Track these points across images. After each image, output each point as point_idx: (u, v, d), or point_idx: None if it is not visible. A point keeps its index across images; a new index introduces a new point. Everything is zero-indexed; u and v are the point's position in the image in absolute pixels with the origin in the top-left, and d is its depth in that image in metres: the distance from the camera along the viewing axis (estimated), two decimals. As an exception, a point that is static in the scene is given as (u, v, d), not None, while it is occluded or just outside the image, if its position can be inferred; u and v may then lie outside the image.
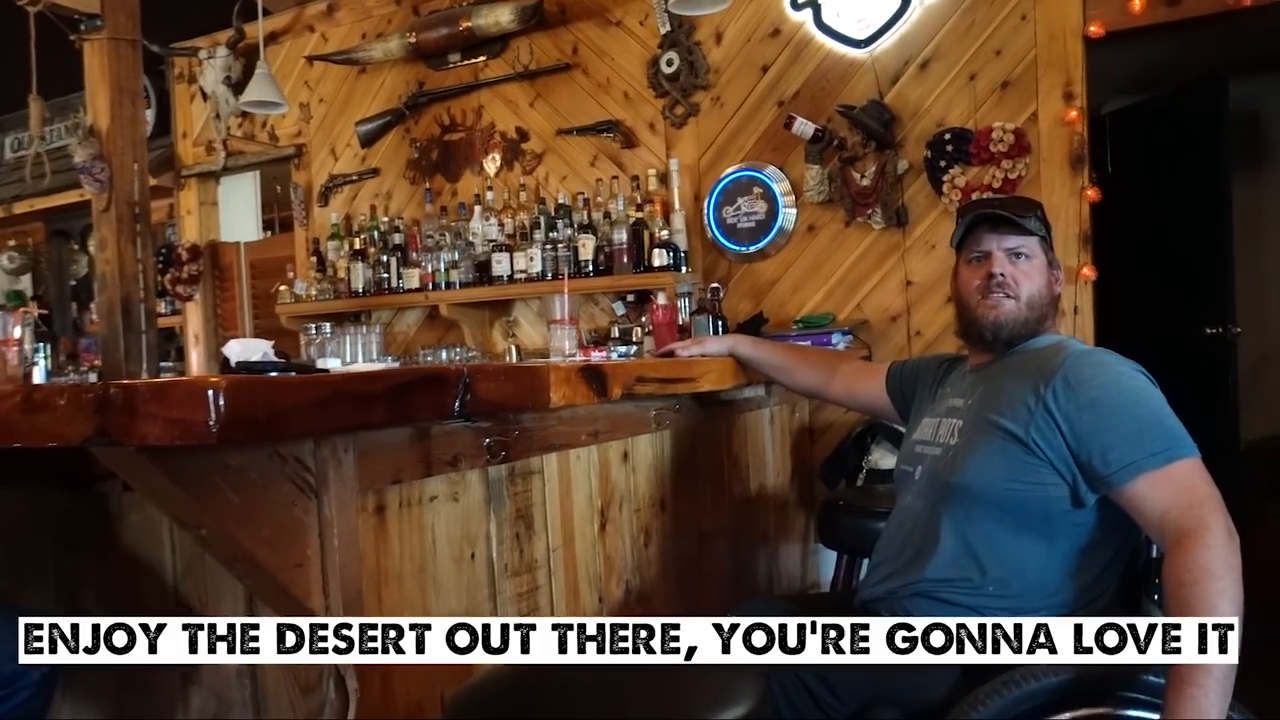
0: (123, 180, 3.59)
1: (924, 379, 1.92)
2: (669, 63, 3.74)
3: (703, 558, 2.66)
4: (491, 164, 4.23)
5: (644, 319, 3.63)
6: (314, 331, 2.79)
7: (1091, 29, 3.03)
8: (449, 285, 4.04)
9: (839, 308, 3.49)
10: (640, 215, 3.64)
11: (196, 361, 5.18)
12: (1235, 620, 1.22)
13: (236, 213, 5.42)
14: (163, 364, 4.26)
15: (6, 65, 3.82)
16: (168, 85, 5.24)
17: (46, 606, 1.72)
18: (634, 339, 3.49)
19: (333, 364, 2.07)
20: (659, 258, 3.54)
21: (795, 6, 3.52)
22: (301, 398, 1.23)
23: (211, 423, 1.10)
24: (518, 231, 3.96)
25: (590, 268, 3.67)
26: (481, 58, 4.19)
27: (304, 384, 1.25)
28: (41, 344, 2.71)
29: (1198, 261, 3.60)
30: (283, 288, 4.49)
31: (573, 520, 2.06)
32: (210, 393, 1.10)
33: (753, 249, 3.61)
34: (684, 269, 3.61)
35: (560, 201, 3.90)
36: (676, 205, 3.68)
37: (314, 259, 4.54)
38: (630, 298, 3.74)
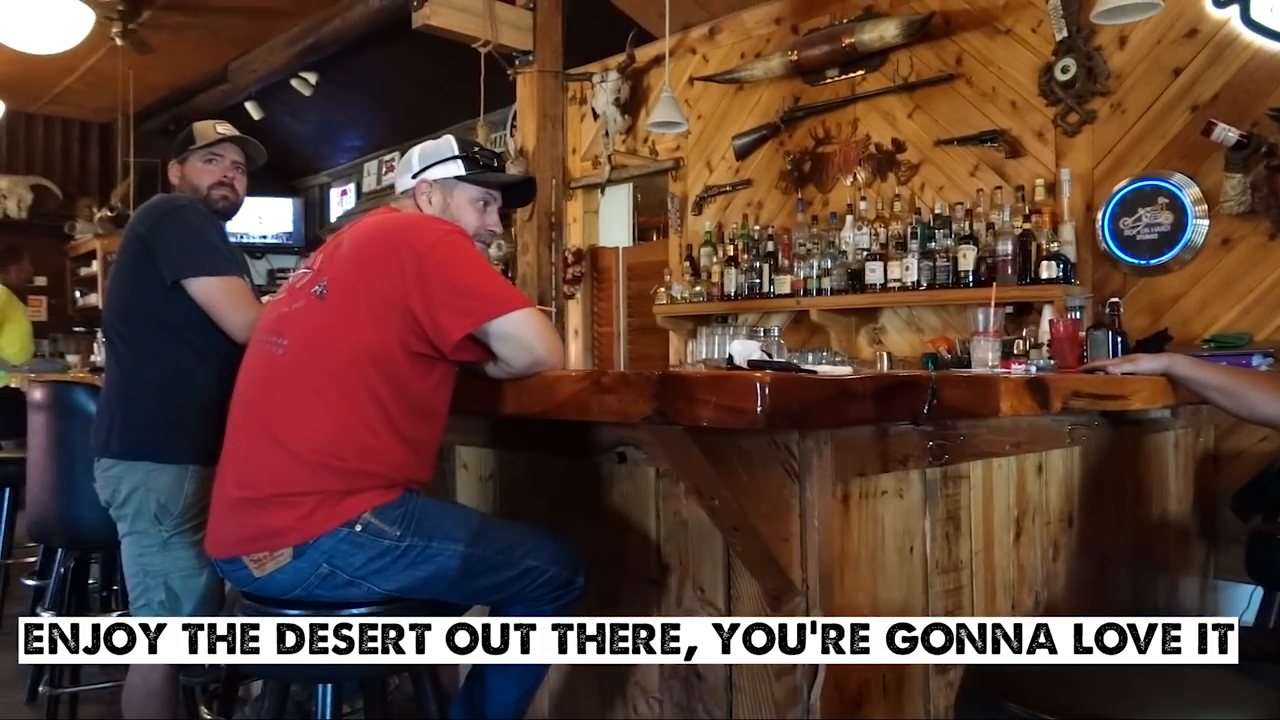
0: (544, 194, 4.13)
1: None
2: (1064, 69, 3.63)
3: (1103, 579, 2.60)
4: (864, 174, 4.34)
5: (1024, 332, 3.57)
6: (764, 335, 3.06)
7: None
8: (819, 291, 4.20)
9: (1257, 328, 3.22)
10: (1028, 226, 3.58)
11: (575, 352, 5.78)
12: None
13: (613, 220, 5.96)
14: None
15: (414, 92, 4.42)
16: (562, 107, 5.88)
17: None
18: (1015, 351, 3.44)
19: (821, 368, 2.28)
20: (1047, 270, 3.47)
21: (1219, 4, 3.29)
22: (821, 394, 1.43)
23: (759, 410, 1.32)
24: (891, 241, 4.04)
25: (970, 279, 3.67)
26: (860, 72, 4.31)
27: (819, 382, 1.44)
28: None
29: None
30: (660, 289, 4.90)
31: (993, 526, 2.13)
32: (759, 386, 1.32)
33: (1154, 262, 3.42)
34: (1073, 282, 3.50)
35: (938, 212, 3.93)
36: (1066, 216, 3.57)
37: (687, 264, 4.90)
38: (1010, 310, 3.69)
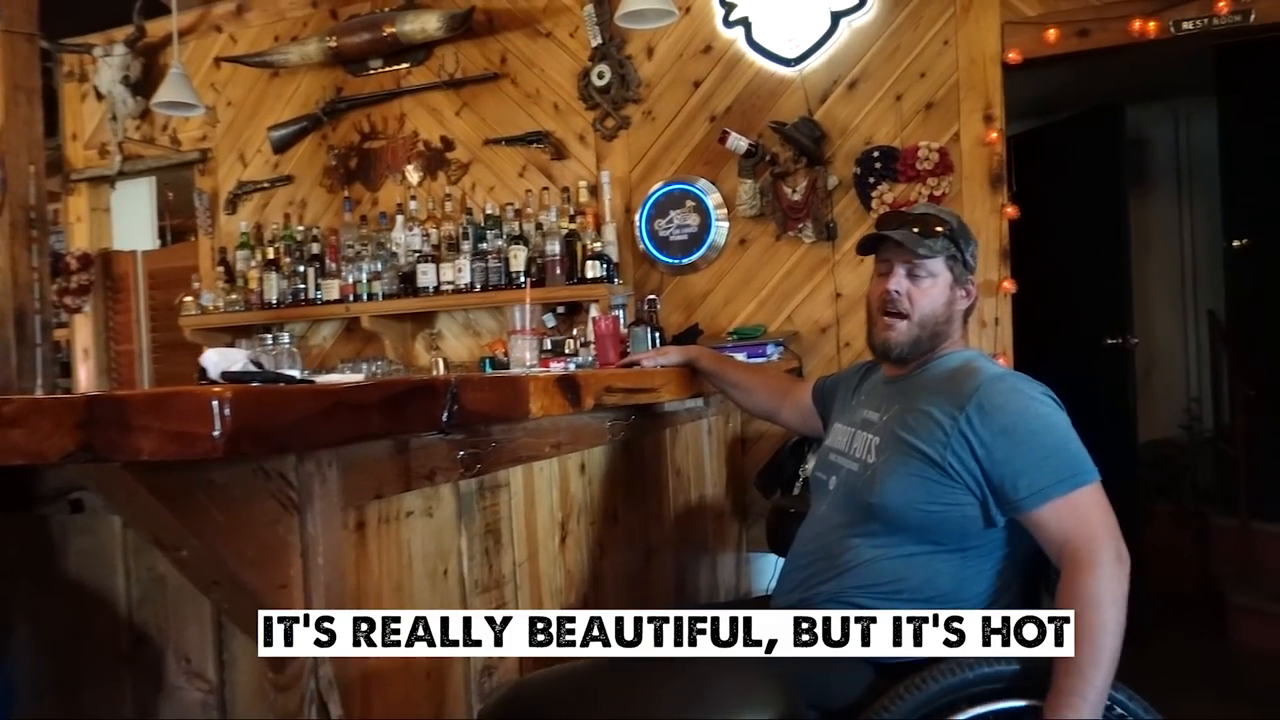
0: (18, 183, 3.36)
1: (842, 387, 1.98)
2: (600, 75, 3.74)
3: (650, 570, 2.65)
4: (414, 173, 4.13)
5: (574, 331, 3.61)
6: (272, 342, 2.65)
7: (1010, 56, 3.18)
8: (371, 297, 3.92)
9: (770, 319, 3.56)
10: (573, 227, 3.63)
11: (85, 377, 4.87)
12: (1110, 649, 1.35)
13: (131, 220, 5.13)
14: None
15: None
16: (55, 84, 4.92)
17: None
18: (565, 350, 3.46)
19: (318, 377, 1.96)
20: (592, 269, 3.53)
21: (727, 24, 3.58)
22: (306, 409, 1.17)
23: (218, 434, 1.04)
24: (443, 242, 3.88)
25: (522, 279, 3.63)
26: (404, 65, 4.10)
27: (307, 394, 1.19)
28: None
29: (1099, 277, 3.82)
30: (188, 299, 4.27)
31: (537, 534, 2.03)
32: (215, 404, 1.04)
33: (685, 261, 3.64)
34: (616, 281, 3.61)
35: (489, 212, 3.85)
36: (608, 217, 3.68)
37: (221, 269, 4.33)
38: (561, 310, 3.72)
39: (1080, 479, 1.46)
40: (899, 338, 1.69)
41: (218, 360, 1.31)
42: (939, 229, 1.71)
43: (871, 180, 3.34)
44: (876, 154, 3.34)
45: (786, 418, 2.23)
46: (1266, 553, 3.62)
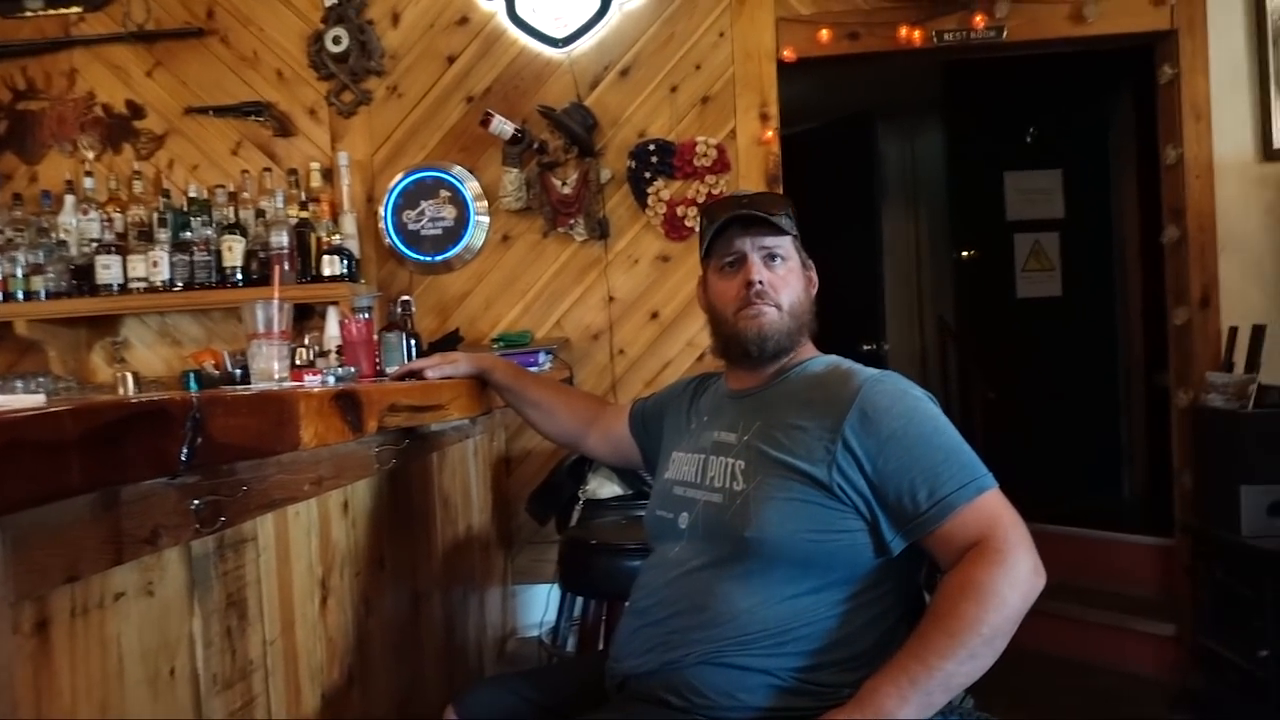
0: None
1: (671, 410, 1.69)
2: (336, 40, 3.21)
3: (419, 619, 2.22)
4: (91, 143, 3.34)
5: (307, 339, 3.04)
6: None
7: (785, 53, 3.09)
8: (29, 295, 3.09)
9: (537, 325, 3.21)
10: (305, 215, 3.06)
11: None
12: (969, 648, 1.15)
13: None
14: None
15: None
16: None
17: None
18: (300, 360, 2.89)
19: None
20: (330, 266, 3.00)
21: (486, -5, 3.21)
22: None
23: None
24: (132, 230, 3.15)
25: (239, 276, 3.01)
26: (75, 8, 3.30)
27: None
28: None
29: (856, 284, 3.88)
30: None
31: (292, 598, 1.55)
32: None
33: (439, 259, 3.21)
34: (359, 279, 3.10)
35: (193, 195, 3.17)
36: (347, 206, 3.15)
37: None
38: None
39: (983, 482, 1.26)
40: (773, 324, 1.43)
41: None
42: (784, 206, 1.48)
43: (647, 175, 3.11)
44: (652, 147, 3.12)
45: (592, 445, 1.90)
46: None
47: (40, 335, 3.19)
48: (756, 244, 1.45)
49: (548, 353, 3.02)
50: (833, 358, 1.50)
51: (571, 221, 3.12)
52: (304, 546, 1.59)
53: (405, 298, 2.80)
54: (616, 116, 3.18)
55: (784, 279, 1.46)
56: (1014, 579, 1.18)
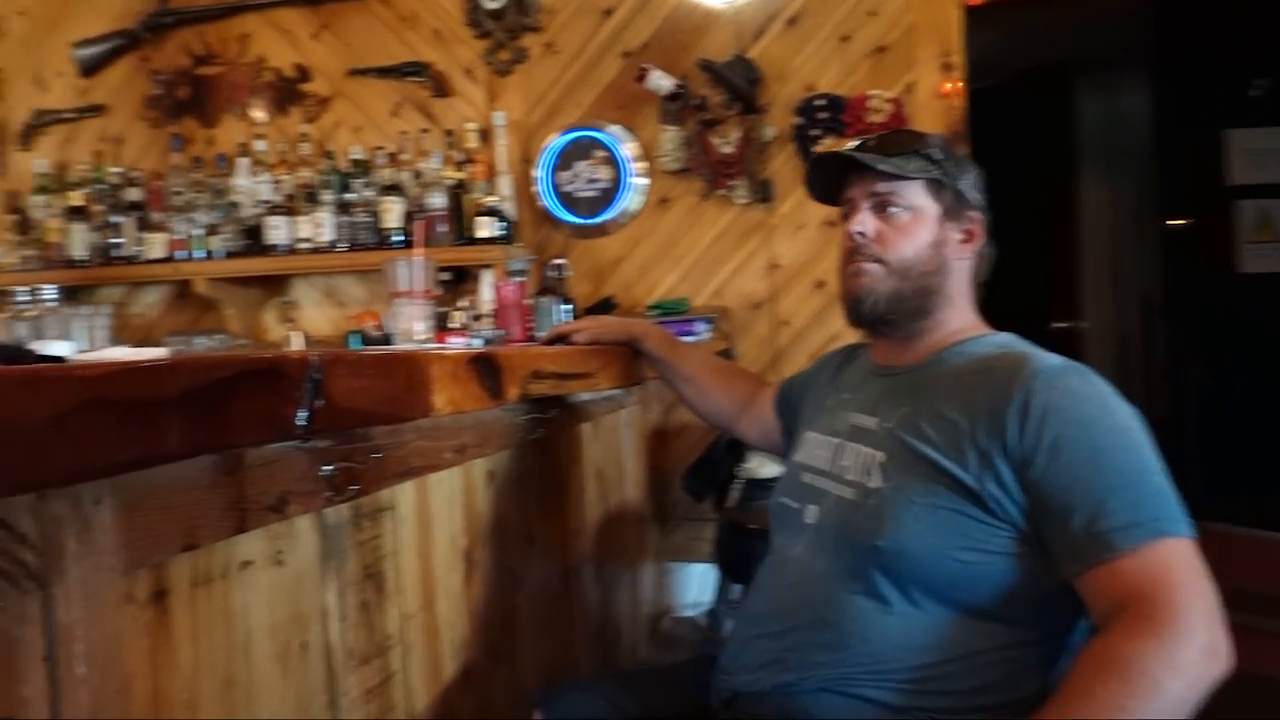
0: None
1: (814, 386, 1.50)
2: (493, -3, 3.14)
3: (569, 595, 2.13)
4: (262, 108, 3.42)
5: (460, 302, 3.01)
6: (24, 301, 1.94)
7: (972, -5, 2.80)
8: (208, 255, 3.20)
9: (694, 293, 3.06)
10: (461, 176, 3.02)
11: None
12: None
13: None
14: None
15: None
16: None
17: None
18: (449, 325, 2.86)
19: (60, 350, 1.31)
20: (485, 228, 2.95)
21: (645, -57, 3.05)
22: (37, 410, 0.60)
23: None
24: (299, 192, 3.21)
25: (399, 237, 3.00)
26: (249, -28, 3.38)
27: (39, 383, 0.61)
28: None
29: (1046, 256, 3.52)
30: (-34, 254, 3.42)
31: (433, 571, 1.47)
32: None
33: (594, 222, 3.10)
34: (514, 242, 3.04)
35: (355, 157, 3.19)
36: (503, 167, 3.09)
37: (14, 217, 3.50)
38: (447, 275, 3.10)
39: (1166, 526, 0.98)
40: (872, 285, 1.25)
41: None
42: (911, 145, 1.26)
43: (815, 133, 2.89)
44: (821, 103, 2.89)
45: (744, 429, 1.74)
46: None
47: (218, 294, 3.30)
48: (867, 189, 1.27)
49: (706, 322, 2.87)
50: (1006, 337, 1.26)
51: (732, 183, 2.94)
52: (446, 517, 1.51)
53: (559, 261, 2.72)
54: (782, 70, 2.96)
55: (901, 230, 1.25)
56: (1175, 661, 0.91)
